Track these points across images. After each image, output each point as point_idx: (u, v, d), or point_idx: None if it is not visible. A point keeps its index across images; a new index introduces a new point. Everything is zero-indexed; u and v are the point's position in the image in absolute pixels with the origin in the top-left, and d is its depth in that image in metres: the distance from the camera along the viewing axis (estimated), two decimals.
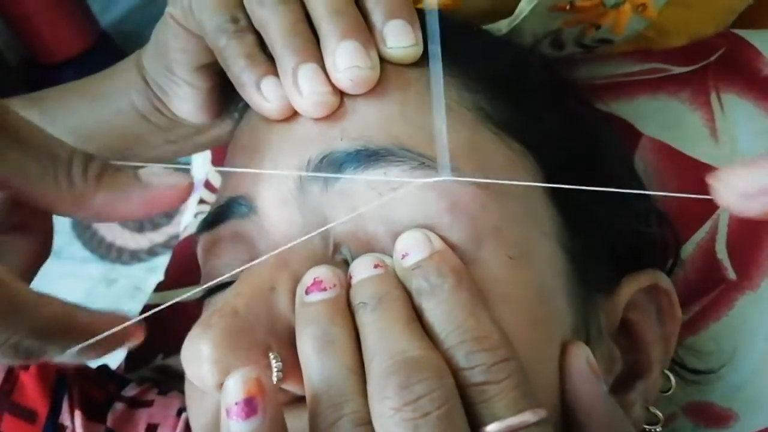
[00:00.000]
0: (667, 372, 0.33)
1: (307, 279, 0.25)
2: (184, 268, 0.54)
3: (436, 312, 0.23)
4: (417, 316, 0.23)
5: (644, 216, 0.35)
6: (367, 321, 0.23)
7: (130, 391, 0.44)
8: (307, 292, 0.24)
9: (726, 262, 0.40)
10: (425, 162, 0.26)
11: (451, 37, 0.27)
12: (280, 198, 0.27)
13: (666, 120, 0.42)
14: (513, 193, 0.27)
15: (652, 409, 0.32)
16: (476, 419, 0.21)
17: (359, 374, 0.22)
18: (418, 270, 0.24)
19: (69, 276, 1.21)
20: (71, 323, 0.23)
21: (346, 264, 0.26)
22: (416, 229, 0.25)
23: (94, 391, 0.42)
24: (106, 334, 0.23)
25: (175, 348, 0.51)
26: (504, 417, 0.21)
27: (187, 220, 0.60)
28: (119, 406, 0.42)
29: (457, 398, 0.21)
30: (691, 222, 0.40)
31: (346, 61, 0.27)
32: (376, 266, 0.24)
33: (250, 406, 0.20)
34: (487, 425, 0.21)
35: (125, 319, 0.24)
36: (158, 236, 1.29)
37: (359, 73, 0.27)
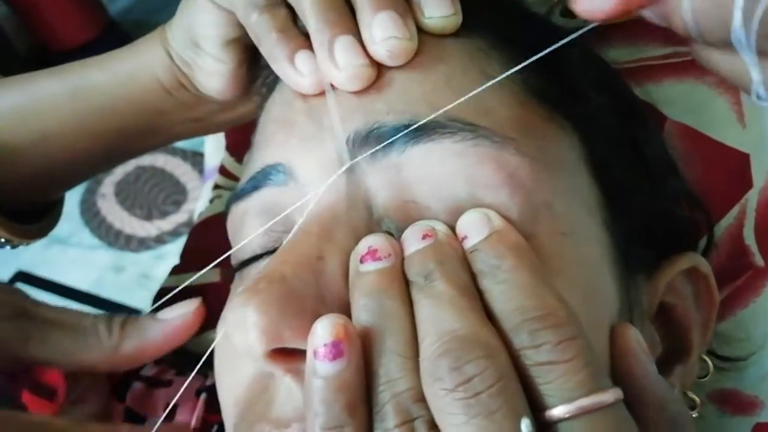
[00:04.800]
0: (704, 357, 0.33)
1: (362, 247, 0.24)
2: (200, 251, 0.53)
3: (495, 293, 0.22)
4: (479, 295, 0.23)
5: (680, 198, 0.35)
6: (417, 299, 0.23)
7: (149, 371, 0.44)
8: (361, 261, 0.24)
9: (753, 248, 0.39)
10: (478, 132, 0.25)
11: (492, 10, 0.26)
12: (321, 165, 0.27)
13: (692, 104, 0.42)
14: (562, 170, 0.27)
15: (690, 394, 0.32)
16: (541, 401, 0.20)
17: (414, 349, 0.22)
18: (475, 253, 0.23)
19: (78, 263, 1.21)
20: None
21: (392, 236, 0.25)
22: (475, 210, 0.24)
23: None
24: None
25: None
26: (573, 399, 0.20)
27: (203, 205, 0.59)
28: (138, 385, 0.42)
29: (512, 376, 0.20)
30: (719, 207, 0.40)
31: (383, 32, 0.26)
32: (424, 236, 0.24)
33: (337, 349, 0.21)
34: (554, 407, 0.20)
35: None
36: (166, 224, 1.28)
37: (397, 44, 0.26)
